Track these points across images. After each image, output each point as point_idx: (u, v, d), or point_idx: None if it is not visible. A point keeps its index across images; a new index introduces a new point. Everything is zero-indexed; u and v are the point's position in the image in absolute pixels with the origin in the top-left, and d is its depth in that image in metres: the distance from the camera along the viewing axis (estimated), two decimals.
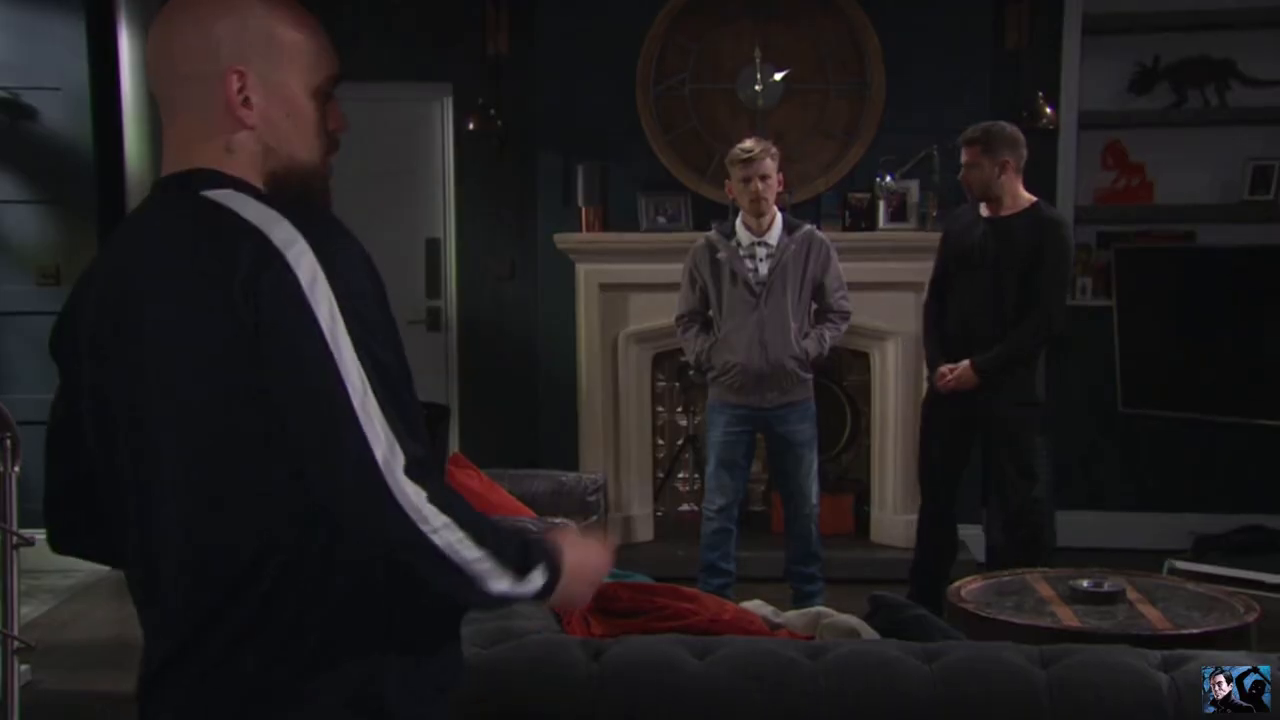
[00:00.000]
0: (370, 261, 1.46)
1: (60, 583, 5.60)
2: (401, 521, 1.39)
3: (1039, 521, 4.58)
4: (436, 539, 1.40)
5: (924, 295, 4.86)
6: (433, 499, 1.41)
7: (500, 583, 1.45)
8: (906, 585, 4.73)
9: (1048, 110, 5.78)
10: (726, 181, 4.69)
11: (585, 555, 1.59)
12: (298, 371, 1.39)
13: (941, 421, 4.68)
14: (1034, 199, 4.58)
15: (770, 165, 4.50)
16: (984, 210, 4.60)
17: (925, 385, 4.91)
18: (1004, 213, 4.55)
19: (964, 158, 4.52)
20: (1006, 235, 4.51)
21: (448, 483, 1.46)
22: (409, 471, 1.39)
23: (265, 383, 1.40)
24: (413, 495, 1.39)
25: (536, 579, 1.49)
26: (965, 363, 4.49)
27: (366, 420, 1.38)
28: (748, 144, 4.55)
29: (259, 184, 1.51)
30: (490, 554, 1.44)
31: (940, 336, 4.70)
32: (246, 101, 1.50)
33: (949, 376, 4.52)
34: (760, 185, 4.48)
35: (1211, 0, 5.81)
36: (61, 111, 5.72)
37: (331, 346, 1.39)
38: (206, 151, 1.52)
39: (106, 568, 5.94)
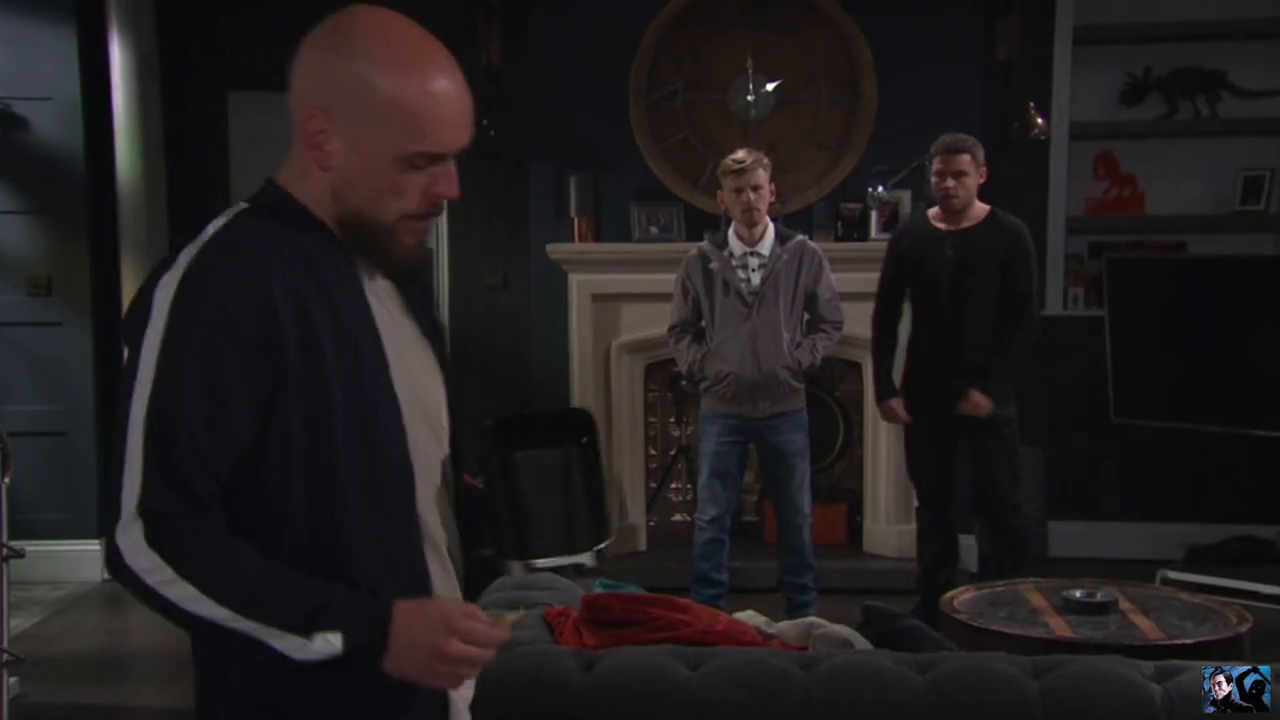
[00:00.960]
0: (248, 295, 1.41)
1: (49, 595, 5.58)
2: (125, 571, 1.39)
3: (1023, 528, 4.60)
4: (165, 590, 1.38)
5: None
6: (167, 551, 1.37)
7: (277, 642, 1.39)
8: (900, 595, 4.73)
9: (1039, 121, 5.79)
10: (719, 192, 4.70)
11: (424, 629, 1.43)
12: (124, 386, 1.42)
13: (922, 427, 4.69)
14: (989, 207, 4.60)
15: (762, 176, 4.51)
16: (940, 222, 4.60)
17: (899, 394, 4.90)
18: (965, 224, 4.55)
19: (953, 166, 4.49)
20: (972, 246, 4.52)
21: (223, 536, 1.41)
22: (149, 518, 1.37)
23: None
24: (134, 545, 1.37)
25: (323, 643, 1.39)
26: (983, 402, 4.48)
27: (131, 458, 1.38)
28: (740, 154, 4.55)
29: (329, 214, 1.52)
30: (243, 613, 1.38)
31: (893, 350, 4.73)
32: (324, 145, 1.48)
33: (970, 411, 4.50)
34: (752, 196, 4.49)
35: (1202, 11, 5.83)
36: (53, 121, 5.71)
37: (142, 370, 1.40)
38: (290, 168, 1.54)
39: (96, 580, 5.91)
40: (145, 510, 1.38)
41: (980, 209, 4.58)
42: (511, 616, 1.57)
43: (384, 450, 1.51)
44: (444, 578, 1.60)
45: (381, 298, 1.57)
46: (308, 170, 1.51)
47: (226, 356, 1.40)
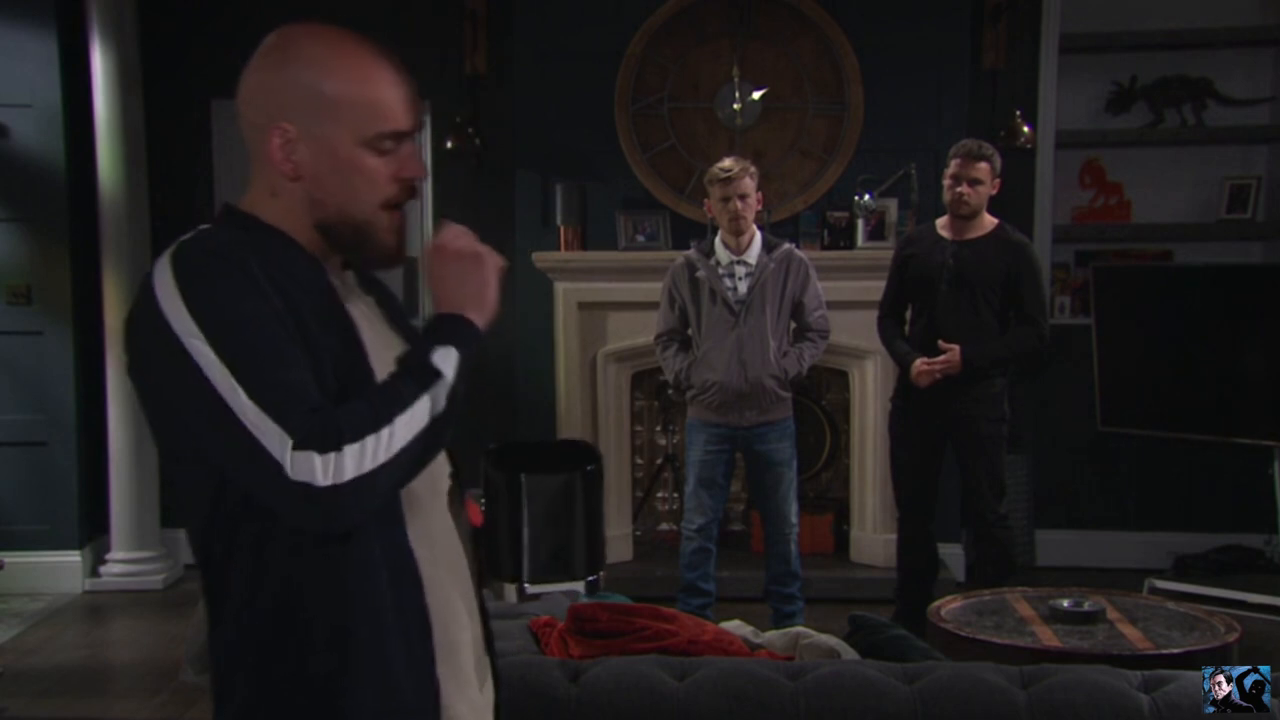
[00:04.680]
0: (232, 265, 1.44)
1: (27, 606, 5.53)
2: (334, 492, 1.38)
3: (1008, 537, 4.60)
4: (377, 460, 1.40)
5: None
6: (344, 439, 1.39)
7: (425, 401, 1.44)
8: (887, 604, 4.73)
9: (1025, 129, 5.80)
10: (705, 200, 4.69)
11: (456, 277, 1.57)
12: (177, 389, 1.44)
13: (910, 436, 4.68)
14: (997, 220, 4.59)
15: (749, 184, 4.50)
16: (946, 231, 4.59)
17: (890, 404, 4.90)
18: (971, 235, 4.54)
19: (970, 173, 4.45)
20: (973, 258, 4.51)
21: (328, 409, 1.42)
22: (309, 442, 1.38)
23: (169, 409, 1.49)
24: (318, 467, 1.38)
25: (446, 358, 1.48)
26: (955, 348, 4.46)
27: (259, 424, 1.39)
28: (726, 163, 4.54)
29: (304, 227, 1.56)
30: (393, 415, 1.42)
31: (904, 335, 4.72)
32: (291, 157, 1.53)
33: (936, 364, 4.49)
34: (739, 204, 4.48)
35: (1188, 20, 5.85)
36: (33, 129, 5.67)
37: (194, 357, 1.41)
38: (254, 192, 1.59)
39: (76, 590, 5.87)
40: (303, 440, 1.38)
41: (988, 221, 4.57)
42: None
43: None
44: (454, 592, 1.61)
45: (365, 314, 1.60)
46: (277, 189, 1.56)
47: (255, 293, 1.44)
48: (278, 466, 1.37)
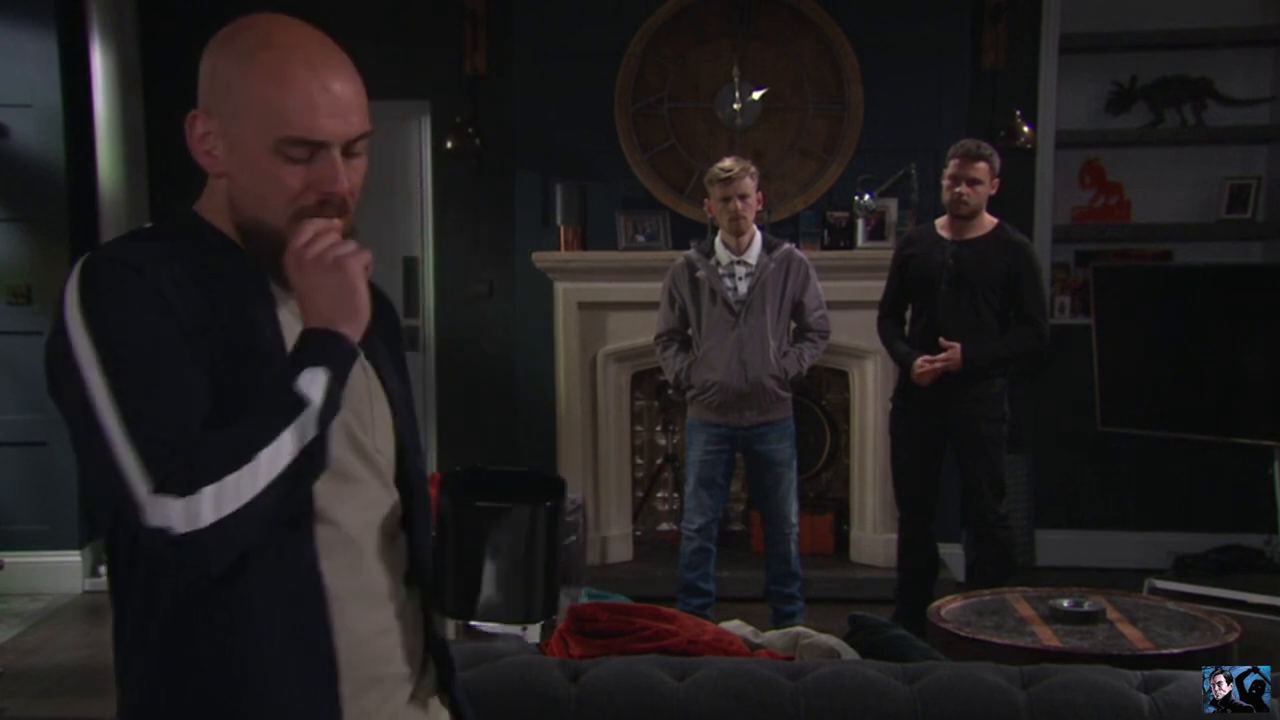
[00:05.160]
0: (130, 282, 1.39)
1: (28, 606, 5.53)
2: (192, 538, 1.33)
3: (1008, 537, 4.60)
4: (230, 506, 1.33)
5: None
6: (198, 484, 1.33)
7: (292, 439, 1.37)
8: (887, 604, 4.73)
9: (1025, 129, 5.80)
10: (705, 200, 4.69)
11: (318, 289, 1.45)
12: (72, 409, 1.39)
13: (911, 436, 4.68)
14: (997, 220, 4.59)
15: (749, 184, 4.50)
16: (945, 231, 4.59)
17: (890, 404, 4.90)
18: (971, 235, 4.54)
19: (969, 173, 4.46)
20: (972, 258, 4.51)
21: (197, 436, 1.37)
22: (168, 485, 1.33)
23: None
24: (177, 510, 1.32)
25: (313, 382, 1.39)
26: (956, 346, 4.46)
27: (114, 448, 1.34)
28: (727, 163, 4.54)
29: (231, 229, 1.50)
30: (263, 443, 1.36)
31: (904, 335, 4.72)
32: (209, 150, 1.47)
33: (937, 361, 4.49)
34: (740, 204, 4.48)
35: (1188, 20, 5.85)
36: (33, 128, 5.67)
37: (85, 382, 1.37)
38: (205, 189, 1.52)
39: (76, 590, 5.88)
40: (160, 484, 1.33)
41: (988, 221, 4.57)
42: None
43: None
44: (379, 617, 1.55)
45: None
46: (210, 184, 1.51)
47: (150, 313, 1.39)
48: (138, 509, 1.33)
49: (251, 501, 1.34)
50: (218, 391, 1.40)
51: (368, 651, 1.52)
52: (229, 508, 1.33)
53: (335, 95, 1.46)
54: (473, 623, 1.49)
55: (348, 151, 1.49)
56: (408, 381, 1.71)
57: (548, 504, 1.49)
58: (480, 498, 1.49)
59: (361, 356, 1.53)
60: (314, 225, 1.45)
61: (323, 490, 1.47)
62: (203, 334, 1.41)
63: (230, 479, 1.34)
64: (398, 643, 1.57)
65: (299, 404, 1.37)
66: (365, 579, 1.53)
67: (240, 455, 1.34)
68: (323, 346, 1.42)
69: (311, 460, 1.39)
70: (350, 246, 1.45)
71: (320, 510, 1.48)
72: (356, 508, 1.52)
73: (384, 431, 1.60)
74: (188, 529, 1.32)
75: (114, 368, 1.37)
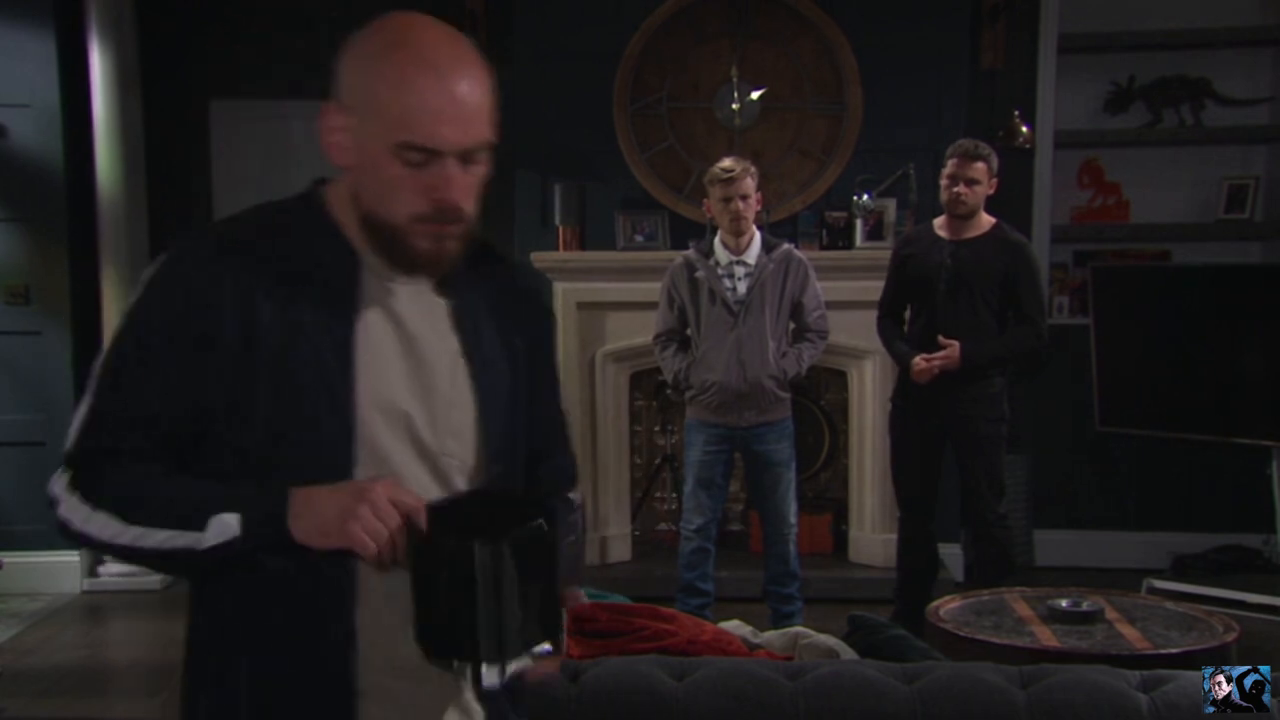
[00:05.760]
0: (191, 291, 1.49)
1: (27, 606, 5.52)
2: (59, 520, 1.51)
3: (1007, 537, 4.60)
4: (87, 528, 1.49)
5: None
6: (84, 491, 1.49)
7: (172, 541, 1.46)
8: (886, 604, 4.73)
9: (1024, 129, 5.80)
10: (704, 200, 4.68)
11: (330, 496, 1.43)
12: None
13: (910, 436, 4.68)
14: (995, 220, 4.60)
15: (750, 184, 4.50)
16: (943, 230, 4.60)
17: (889, 404, 4.90)
18: (969, 235, 4.54)
19: (967, 173, 4.46)
20: (971, 257, 4.51)
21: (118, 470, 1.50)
22: (71, 465, 1.51)
23: None
24: (61, 490, 1.50)
25: (217, 526, 1.44)
26: (955, 345, 4.47)
27: (76, 417, 1.52)
28: (727, 163, 4.54)
29: (348, 215, 1.55)
30: (151, 524, 1.47)
31: (903, 335, 4.73)
32: (337, 142, 1.51)
33: (935, 359, 4.49)
34: (741, 205, 4.48)
35: (1186, 19, 5.85)
36: (32, 129, 5.66)
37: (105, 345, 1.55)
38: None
39: (75, 591, 5.87)
40: (69, 459, 1.51)
41: (985, 221, 4.57)
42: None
43: (319, 451, 1.49)
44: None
45: (408, 304, 1.56)
46: (340, 171, 1.56)
47: (164, 339, 1.50)
48: (60, 467, 1.52)
49: (108, 545, 1.49)
50: (249, 390, 1.48)
51: (399, 644, 1.50)
52: (91, 532, 1.49)
53: (458, 103, 1.46)
54: (507, 664, 1.41)
55: (467, 159, 1.49)
56: (541, 382, 1.73)
57: (536, 524, 1.40)
58: (463, 529, 1.40)
59: (456, 351, 1.58)
60: (370, 532, 1.41)
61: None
62: (249, 340, 1.48)
63: (103, 518, 1.48)
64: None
65: (195, 527, 1.46)
66: (400, 577, 1.53)
67: (127, 511, 1.47)
68: (264, 515, 1.45)
69: (171, 566, 1.52)
70: (388, 522, 1.41)
71: None
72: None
73: (462, 436, 1.59)
74: (60, 514, 1.50)
75: (116, 346, 1.52)
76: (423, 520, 1.42)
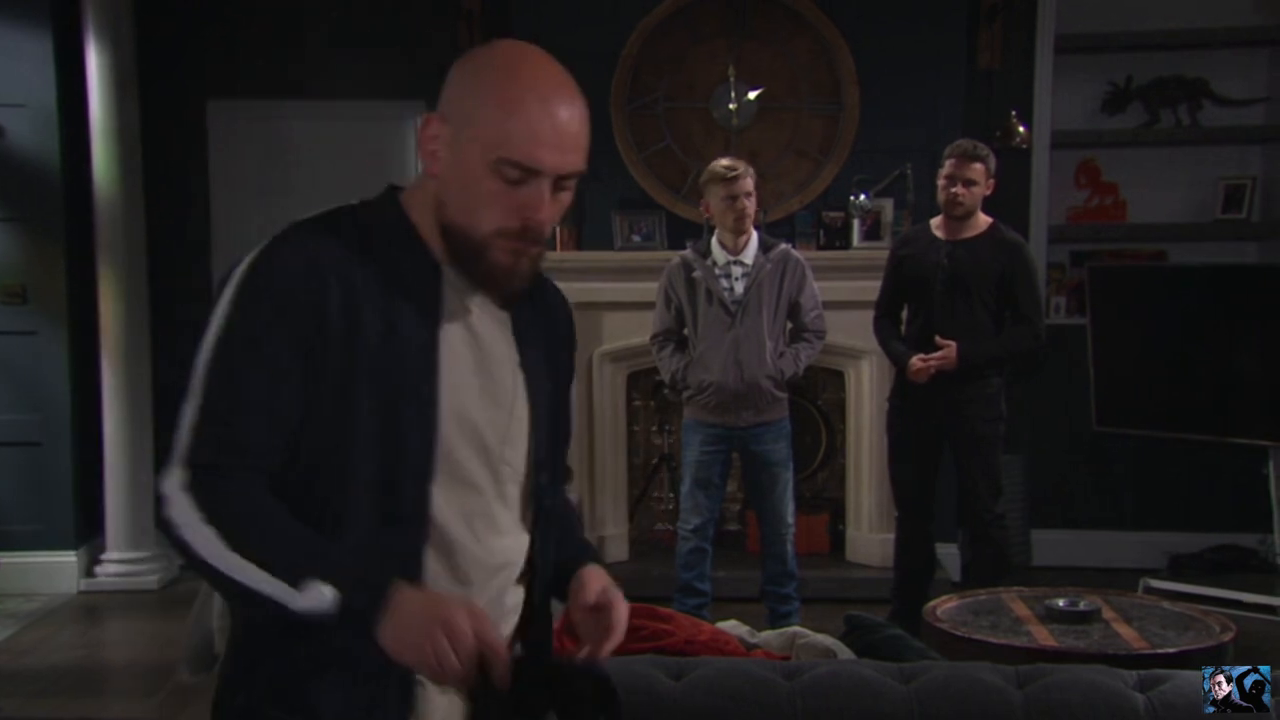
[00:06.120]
0: (300, 283, 1.49)
1: (23, 607, 5.52)
2: (164, 520, 1.48)
3: (1004, 537, 4.61)
4: (190, 538, 1.46)
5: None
6: (200, 499, 1.46)
7: (265, 585, 1.44)
8: (883, 604, 4.73)
9: (1021, 130, 5.81)
10: (702, 201, 4.67)
11: (427, 604, 1.45)
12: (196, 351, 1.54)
13: (908, 436, 4.69)
14: (992, 220, 4.60)
15: (751, 183, 4.51)
16: (940, 231, 4.60)
17: (887, 404, 4.90)
18: (966, 235, 4.55)
19: (965, 173, 4.47)
20: (968, 258, 4.52)
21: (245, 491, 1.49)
22: (191, 468, 1.47)
23: None
24: (174, 492, 1.47)
25: (314, 594, 1.42)
26: (952, 345, 4.47)
27: (188, 414, 1.49)
28: (728, 162, 4.55)
29: (428, 223, 1.58)
30: (255, 562, 1.44)
31: (900, 335, 4.74)
32: (434, 150, 1.55)
33: (931, 359, 4.49)
34: (745, 202, 4.49)
35: (1183, 20, 5.85)
36: (28, 129, 5.66)
37: (208, 338, 1.51)
38: (415, 178, 1.62)
39: (71, 591, 5.87)
40: (185, 460, 1.48)
41: (982, 221, 4.58)
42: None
43: (403, 458, 1.53)
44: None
45: (479, 316, 1.60)
46: (423, 179, 1.60)
47: (277, 337, 1.49)
48: (166, 467, 1.49)
49: (203, 562, 1.46)
50: (346, 363, 1.50)
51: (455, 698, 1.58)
52: (193, 543, 1.46)
53: (560, 131, 1.53)
54: None
55: (557, 185, 1.56)
56: (564, 392, 1.77)
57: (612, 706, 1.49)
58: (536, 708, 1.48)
59: (516, 363, 1.64)
60: (439, 655, 1.43)
61: (436, 490, 1.56)
62: (352, 339, 1.50)
63: (209, 535, 1.45)
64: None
65: (292, 583, 1.43)
66: (459, 580, 1.59)
67: (234, 536, 1.45)
68: (363, 609, 1.44)
69: (252, 605, 1.48)
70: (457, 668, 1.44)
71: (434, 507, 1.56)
72: (462, 511, 1.58)
73: (517, 446, 1.65)
74: (168, 515, 1.47)
75: (223, 344, 1.50)
76: (499, 663, 1.45)
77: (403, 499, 1.54)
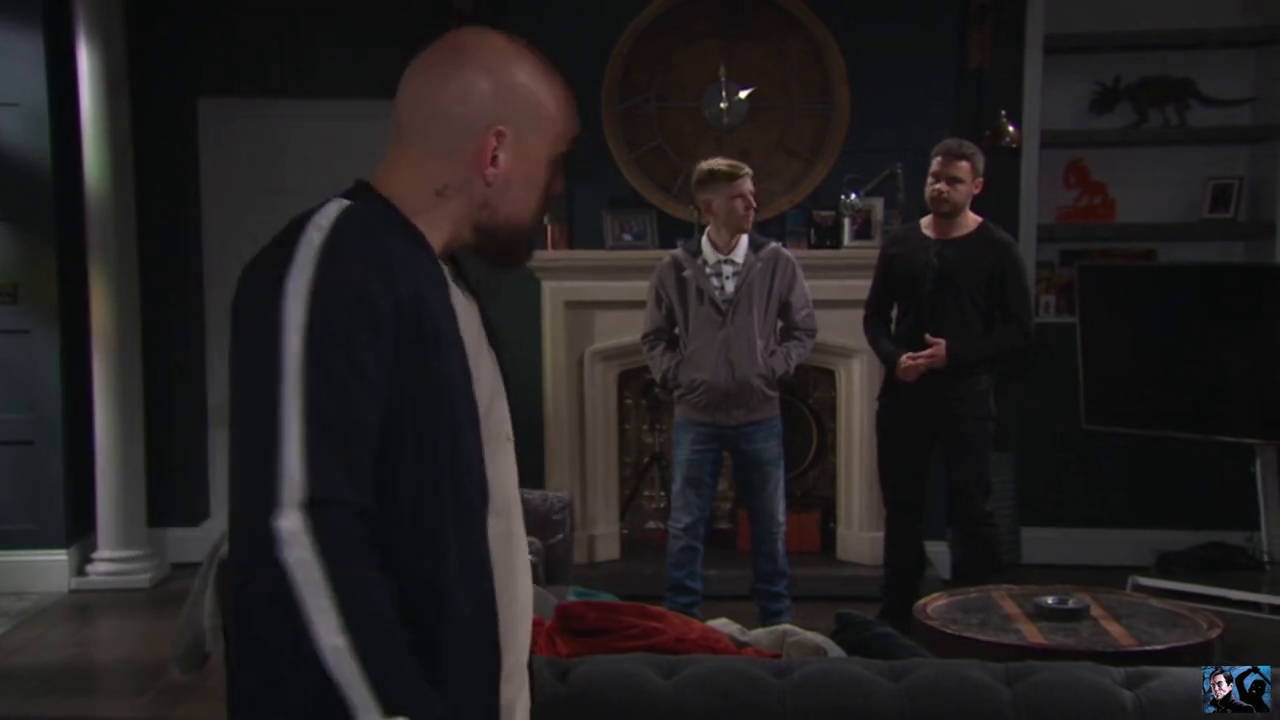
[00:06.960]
0: (382, 295, 1.39)
1: (14, 605, 5.51)
2: (274, 565, 1.29)
3: (993, 535, 4.62)
4: (303, 591, 1.28)
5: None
6: (329, 543, 1.29)
7: (354, 691, 1.29)
8: (873, 602, 4.74)
9: (1010, 129, 5.82)
10: (705, 199, 4.59)
11: None
12: (249, 375, 1.38)
13: (898, 435, 4.70)
14: (981, 219, 4.62)
15: (750, 182, 4.54)
16: (931, 231, 4.62)
17: (876, 403, 4.92)
18: (955, 234, 4.57)
19: (950, 171, 4.49)
20: (962, 257, 4.53)
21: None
22: (318, 506, 1.30)
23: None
24: (295, 534, 1.29)
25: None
26: (941, 343, 4.49)
27: (289, 448, 1.31)
28: (731, 161, 4.56)
29: (448, 228, 1.55)
30: (351, 636, 1.29)
31: (889, 334, 4.75)
32: (495, 160, 1.54)
33: (920, 357, 4.51)
34: (752, 201, 4.51)
35: (1171, 20, 5.88)
36: (19, 128, 5.65)
37: (286, 363, 1.34)
38: (408, 185, 1.54)
39: (63, 589, 5.86)
40: (315, 498, 1.30)
41: (971, 220, 4.59)
42: None
43: (466, 465, 1.48)
44: (515, 589, 1.59)
45: (464, 309, 1.58)
46: (450, 187, 1.54)
47: (372, 354, 1.37)
48: (273, 503, 1.29)
49: (305, 627, 1.29)
50: (426, 375, 1.42)
51: (515, 639, 1.58)
52: (305, 601, 1.28)
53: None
54: None
55: None
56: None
57: None
58: None
59: (489, 343, 1.63)
60: None
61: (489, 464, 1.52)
62: (417, 321, 1.42)
63: (326, 603, 1.29)
64: (528, 629, 1.64)
65: (379, 698, 1.30)
66: (516, 552, 1.60)
67: (350, 614, 1.29)
68: None
69: (326, 697, 1.30)
70: None
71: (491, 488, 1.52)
72: (510, 485, 1.59)
73: (501, 396, 1.65)
74: (284, 558, 1.28)
75: (317, 359, 1.34)
76: None
77: (468, 515, 1.47)
